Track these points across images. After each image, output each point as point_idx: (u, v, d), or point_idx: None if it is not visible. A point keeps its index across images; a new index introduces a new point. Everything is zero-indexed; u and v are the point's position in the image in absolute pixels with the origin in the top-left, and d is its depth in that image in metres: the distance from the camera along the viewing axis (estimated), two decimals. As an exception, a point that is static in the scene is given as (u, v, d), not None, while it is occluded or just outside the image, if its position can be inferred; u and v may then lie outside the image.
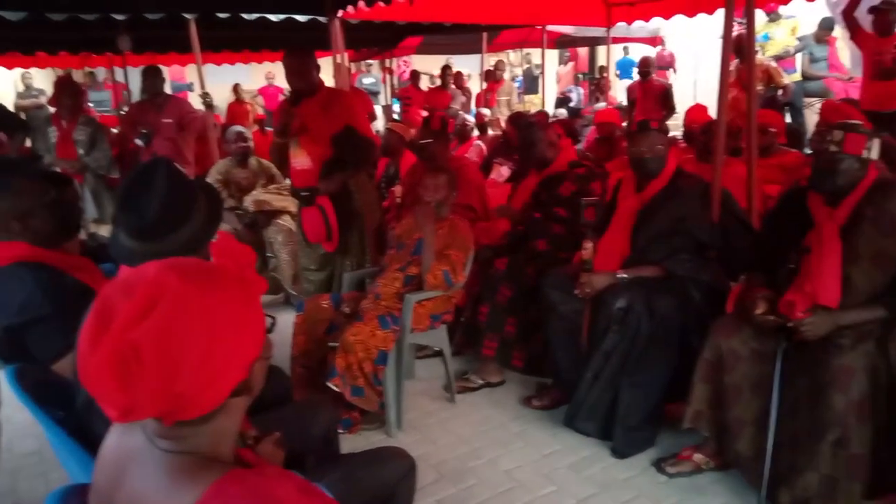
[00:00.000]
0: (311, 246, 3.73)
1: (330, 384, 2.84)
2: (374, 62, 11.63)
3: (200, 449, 1.01)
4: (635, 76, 8.26)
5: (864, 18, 5.44)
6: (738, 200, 3.05)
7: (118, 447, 1.09)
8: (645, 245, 2.91)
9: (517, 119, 5.32)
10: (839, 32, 7.41)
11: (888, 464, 2.24)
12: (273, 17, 5.35)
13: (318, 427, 2.00)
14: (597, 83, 11.31)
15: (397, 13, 5.74)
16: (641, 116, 6.94)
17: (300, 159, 3.54)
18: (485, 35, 8.97)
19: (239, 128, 4.95)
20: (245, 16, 5.30)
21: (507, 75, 10.56)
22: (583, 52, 13.60)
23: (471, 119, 6.80)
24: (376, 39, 7.78)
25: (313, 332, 3.08)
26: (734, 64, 6.97)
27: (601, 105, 8.43)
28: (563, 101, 11.72)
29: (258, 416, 1.95)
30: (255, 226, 4.68)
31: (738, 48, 6.72)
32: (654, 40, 9.74)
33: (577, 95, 11.98)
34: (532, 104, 11.35)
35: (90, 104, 9.09)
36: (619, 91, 12.14)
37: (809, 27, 7.65)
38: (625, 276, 2.87)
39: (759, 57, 7.03)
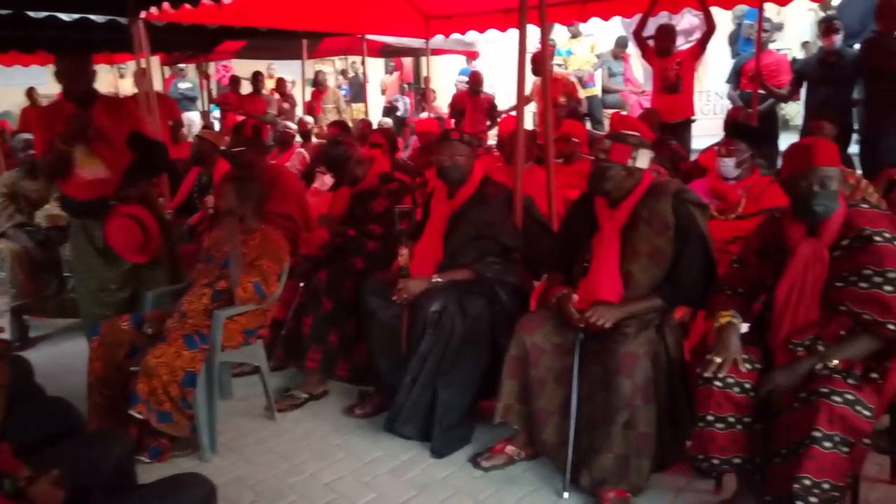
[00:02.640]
0: (112, 262, 3.41)
1: (133, 412, 2.65)
2: (191, 66, 11.03)
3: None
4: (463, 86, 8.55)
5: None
6: (543, 205, 3.26)
7: None
8: (456, 249, 3.02)
9: (331, 133, 5.28)
10: (632, 50, 8.17)
11: (670, 439, 2.49)
12: (64, 17, 4.89)
13: (110, 459, 1.84)
14: (422, 93, 11.57)
15: (208, 16, 5.49)
16: (470, 127, 7.21)
17: (92, 168, 3.23)
18: (305, 42, 8.84)
19: (27, 135, 4.48)
20: (32, 14, 4.80)
21: (332, 83, 10.48)
22: (408, 61, 13.84)
23: (292, 126, 6.67)
24: (188, 43, 7.38)
25: (112, 357, 2.85)
26: (538, 80, 7.46)
27: (425, 115, 8.63)
28: (389, 110, 11.85)
29: (40, 453, 1.77)
30: (48, 243, 4.25)
31: (535, 68, 7.22)
32: (472, 54, 10.15)
33: (404, 105, 12.18)
34: (359, 112, 11.36)
35: None
36: (445, 102, 12.52)
37: (607, 45, 8.38)
38: (439, 279, 2.96)
39: (563, 71, 7.59)
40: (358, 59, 8.94)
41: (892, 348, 2.15)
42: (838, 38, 5.23)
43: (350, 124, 7.05)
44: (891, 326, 2.08)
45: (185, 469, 2.71)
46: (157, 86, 7.76)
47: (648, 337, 2.49)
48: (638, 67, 9.08)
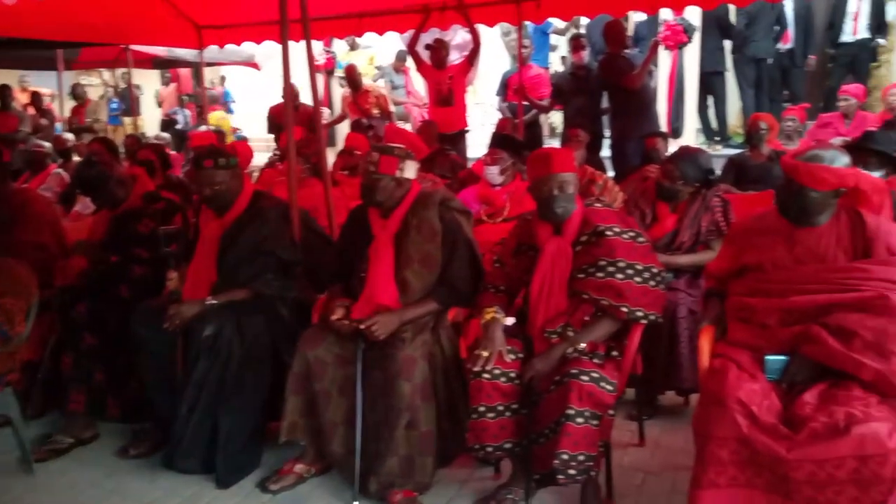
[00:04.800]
0: None
1: None
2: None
3: None
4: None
5: (426, 52, 6.30)
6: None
7: None
8: (231, 269, 2.91)
9: (91, 150, 4.83)
10: (412, 63, 8.48)
11: (451, 434, 2.61)
12: None
13: None
14: (201, 107, 11.03)
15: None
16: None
17: None
18: (60, 52, 8.01)
19: None
20: None
21: (94, 95, 9.59)
22: (187, 72, 13.11)
23: (45, 145, 6.00)
24: None
25: None
26: (348, 91, 7.47)
27: (204, 128, 8.23)
28: (168, 123, 11.14)
29: None
30: None
31: (350, 79, 7.25)
32: (253, 65, 9.89)
33: (184, 117, 11.51)
34: (134, 126, 10.56)
35: None
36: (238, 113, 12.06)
37: (388, 57, 8.61)
38: (214, 301, 2.84)
39: (373, 84, 7.67)
40: (130, 70, 8.25)
41: (628, 328, 2.46)
42: (586, 54, 5.86)
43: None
44: (624, 309, 2.37)
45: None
46: None
47: (424, 339, 2.60)
48: (420, 80, 9.44)
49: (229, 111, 11.75)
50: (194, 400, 2.72)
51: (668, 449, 2.87)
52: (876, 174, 2.77)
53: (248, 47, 7.56)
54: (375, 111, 7.23)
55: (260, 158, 6.80)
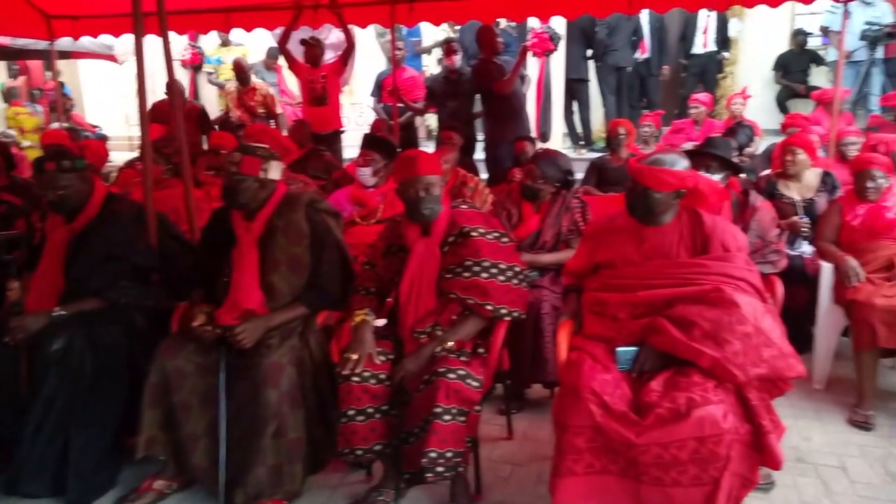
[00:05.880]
0: None
1: None
2: None
3: None
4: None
5: (298, 50, 6.17)
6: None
7: None
8: (81, 277, 2.73)
9: None
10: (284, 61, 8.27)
11: (323, 439, 2.57)
12: None
13: None
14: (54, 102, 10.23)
15: None
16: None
17: None
18: None
19: None
20: None
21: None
22: (37, 64, 12.09)
23: None
24: None
25: None
26: (233, 87, 7.14)
27: (56, 125, 7.63)
28: (16, 119, 10.23)
29: None
30: None
31: (239, 75, 6.94)
32: (111, 58, 9.27)
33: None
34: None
35: None
36: (90, 111, 11.23)
37: (259, 54, 8.36)
38: (62, 312, 2.64)
39: (261, 82, 7.37)
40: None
41: (493, 326, 2.53)
42: (458, 58, 5.96)
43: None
44: (489, 307, 2.44)
45: None
46: None
47: (292, 345, 2.55)
48: (293, 78, 9.23)
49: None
50: (42, 419, 2.52)
51: (536, 440, 2.98)
52: (716, 177, 3.00)
53: (106, 40, 7.12)
54: (261, 110, 7.00)
55: (123, 157, 6.40)
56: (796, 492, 2.59)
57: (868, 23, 6.90)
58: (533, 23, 7.01)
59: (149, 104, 3.12)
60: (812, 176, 3.96)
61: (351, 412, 2.36)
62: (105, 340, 2.63)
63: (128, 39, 6.29)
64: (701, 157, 3.10)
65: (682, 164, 2.29)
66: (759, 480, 2.11)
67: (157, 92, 6.60)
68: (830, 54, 7.66)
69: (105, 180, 5.04)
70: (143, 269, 2.81)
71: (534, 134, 6.55)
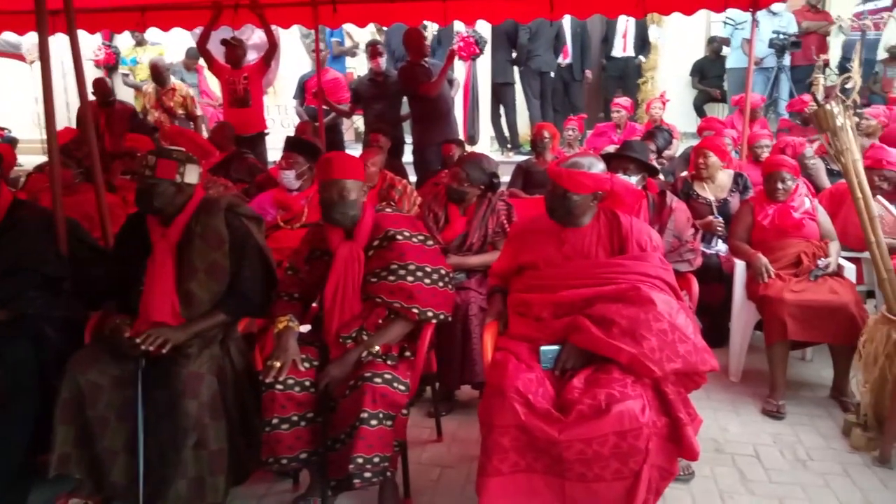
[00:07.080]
0: None
1: None
2: None
3: None
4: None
5: (219, 50, 6.01)
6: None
7: None
8: (-17, 288, 2.57)
9: None
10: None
11: (246, 449, 2.51)
12: None
13: None
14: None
15: None
16: (112, 142, 6.14)
17: None
18: None
19: None
20: None
21: None
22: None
23: None
24: None
25: None
26: (151, 87, 6.90)
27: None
28: (-89, 121, 9.58)
29: None
30: None
31: (156, 75, 6.68)
32: (20, 56, 8.80)
33: (-66, 115, 9.97)
34: None
35: None
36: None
37: (178, 54, 8.10)
38: (-38, 326, 2.48)
39: (180, 83, 7.12)
40: None
41: (420, 329, 2.54)
42: (383, 61, 5.95)
43: None
44: (415, 310, 2.44)
45: None
46: None
47: (212, 353, 2.47)
48: (214, 79, 9.00)
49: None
50: (-60, 440, 2.36)
51: (465, 441, 3.00)
52: (633, 179, 3.10)
53: (12, 37, 6.75)
54: (180, 111, 6.77)
55: (34, 162, 6.07)
56: (714, 481, 2.69)
57: (775, 31, 7.29)
58: (459, 27, 7.07)
59: (58, 106, 2.97)
60: (725, 177, 4.15)
61: (275, 421, 2.31)
62: (13, 354, 2.48)
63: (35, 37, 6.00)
64: (619, 159, 3.19)
65: (599, 166, 2.35)
66: (679, 472, 2.20)
67: (69, 93, 6.30)
68: (729, 61, 8.05)
69: (14, 186, 4.78)
70: (52, 278, 2.67)
71: (462, 137, 6.60)
